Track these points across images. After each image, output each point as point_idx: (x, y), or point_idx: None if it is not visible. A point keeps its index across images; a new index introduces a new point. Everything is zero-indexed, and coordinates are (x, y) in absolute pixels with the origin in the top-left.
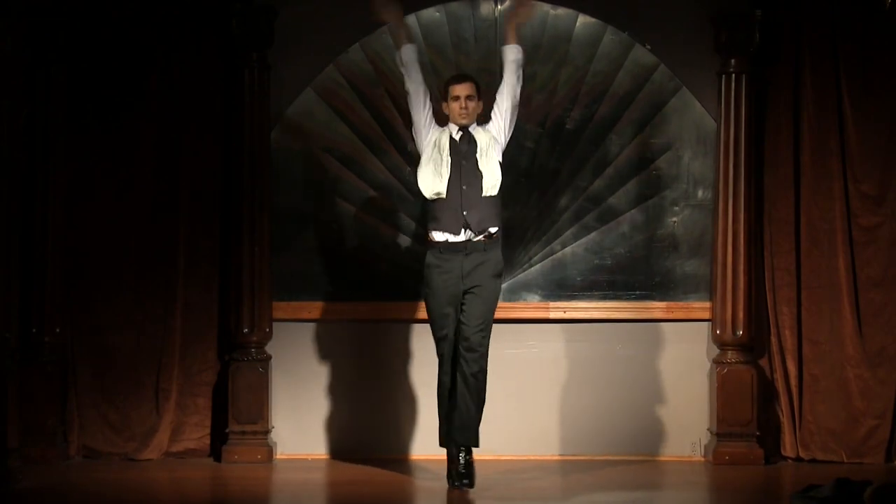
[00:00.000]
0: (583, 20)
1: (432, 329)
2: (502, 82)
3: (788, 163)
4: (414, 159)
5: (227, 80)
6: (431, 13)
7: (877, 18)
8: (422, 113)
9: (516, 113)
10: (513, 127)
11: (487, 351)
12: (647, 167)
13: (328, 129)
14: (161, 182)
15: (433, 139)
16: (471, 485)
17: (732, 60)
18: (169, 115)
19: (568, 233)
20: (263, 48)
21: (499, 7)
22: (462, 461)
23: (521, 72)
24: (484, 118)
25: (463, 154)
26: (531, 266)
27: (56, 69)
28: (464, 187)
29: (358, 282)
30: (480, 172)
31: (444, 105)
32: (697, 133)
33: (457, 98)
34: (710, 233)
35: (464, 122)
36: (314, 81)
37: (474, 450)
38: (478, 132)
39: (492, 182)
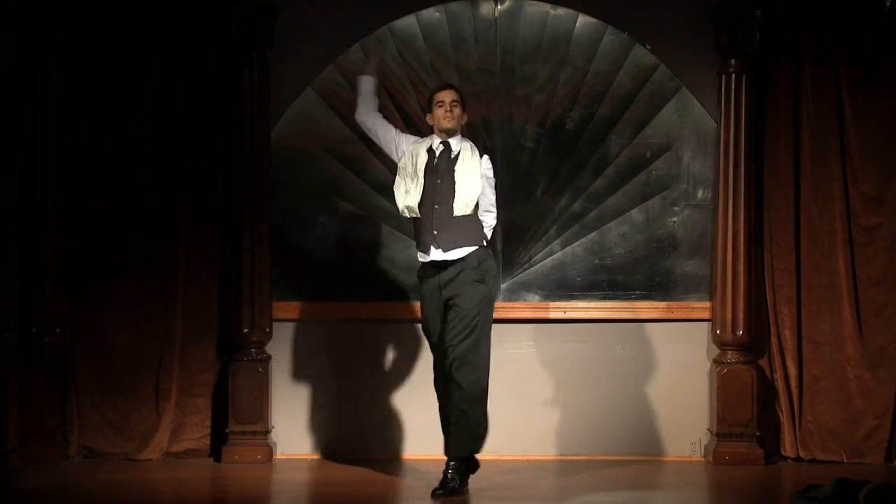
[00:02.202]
0: (583, 20)
1: (429, 342)
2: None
3: (788, 163)
4: None
5: (227, 80)
6: (431, 13)
7: (877, 18)
8: (383, 133)
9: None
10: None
11: (481, 361)
12: (647, 167)
13: (328, 129)
14: (161, 182)
15: (409, 152)
16: (444, 494)
17: (732, 60)
18: (169, 115)
19: (568, 233)
20: (263, 48)
21: (499, 7)
22: (447, 469)
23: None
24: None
25: (439, 171)
26: (531, 266)
27: (56, 69)
28: (435, 206)
29: (357, 282)
30: (454, 191)
31: (428, 116)
32: (697, 133)
33: (441, 103)
34: (710, 233)
35: (448, 125)
36: (314, 81)
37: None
38: (464, 149)
39: (464, 201)
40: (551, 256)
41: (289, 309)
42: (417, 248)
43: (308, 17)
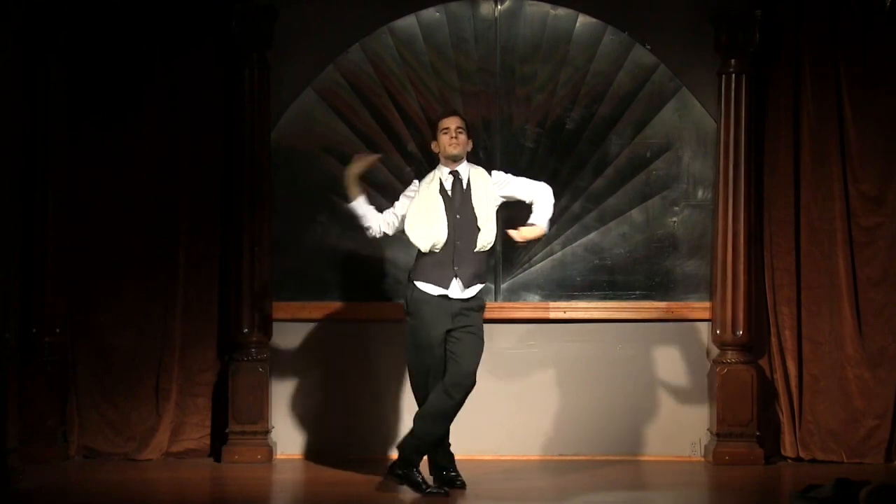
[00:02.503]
0: (583, 20)
1: (417, 361)
2: (535, 191)
3: (788, 163)
4: (414, 159)
5: (227, 80)
6: (431, 13)
7: (877, 18)
8: (397, 218)
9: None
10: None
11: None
12: (647, 167)
13: (328, 129)
14: (161, 182)
15: (418, 191)
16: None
17: (732, 60)
18: (169, 115)
19: (568, 233)
20: (263, 48)
21: (499, 7)
22: (456, 475)
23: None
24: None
25: (455, 206)
26: (531, 266)
27: (56, 69)
28: (457, 242)
29: (357, 282)
30: (478, 227)
31: (433, 144)
32: (697, 133)
33: (446, 130)
34: (710, 233)
35: (455, 151)
36: (314, 81)
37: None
38: (474, 178)
39: (488, 237)
40: (551, 256)
41: (289, 309)
42: (428, 281)
43: (308, 17)
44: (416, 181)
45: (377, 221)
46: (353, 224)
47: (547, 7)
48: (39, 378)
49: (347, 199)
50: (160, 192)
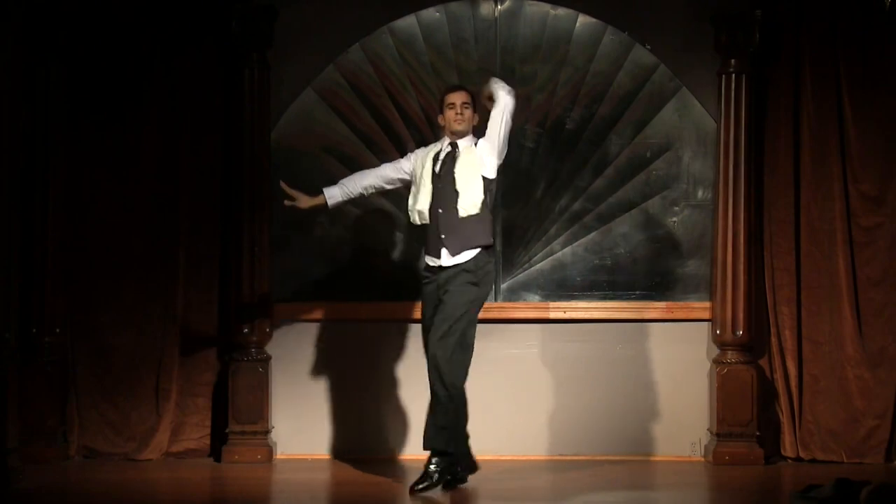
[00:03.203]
0: (583, 20)
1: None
2: (492, 114)
3: (788, 163)
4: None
5: (227, 80)
6: (431, 13)
7: (877, 18)
8: (386, 177)
9: (508, 131)
10: (506, 145)
11: (456, 362)
12: (647, 167)
13: (328, 129)
14: (161, 182)
15: (419, 162)
16: (423, 489)
17: (732, 60)
18: (169, 115)
19: (568, 233)
20: (263, 48)
21: (499, 7)
22: (427, 463)
23: (508, 116)
24: (480, 133)
25: (442, 175)
26: (531, 266)
27: (56, 69)
28: (439, 210)
29: (358, 282)
30: (456, 192)
31: (440, 117)
32: (697, 133)
33: (452, 105)
34: (710, 233)
35: (459, 127)
36: (314, 81)
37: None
38: (466, 150)
39: (469, 202)
40: (551, 256)
41: (289, 309)
42: (427, 253)
43: (308, 17)
44: (423, 148)
45: (361, 183)
46: (353, 224)
47: (547, 7)
48: (39, 378)
49: (324, 204)
50: (160, 192)
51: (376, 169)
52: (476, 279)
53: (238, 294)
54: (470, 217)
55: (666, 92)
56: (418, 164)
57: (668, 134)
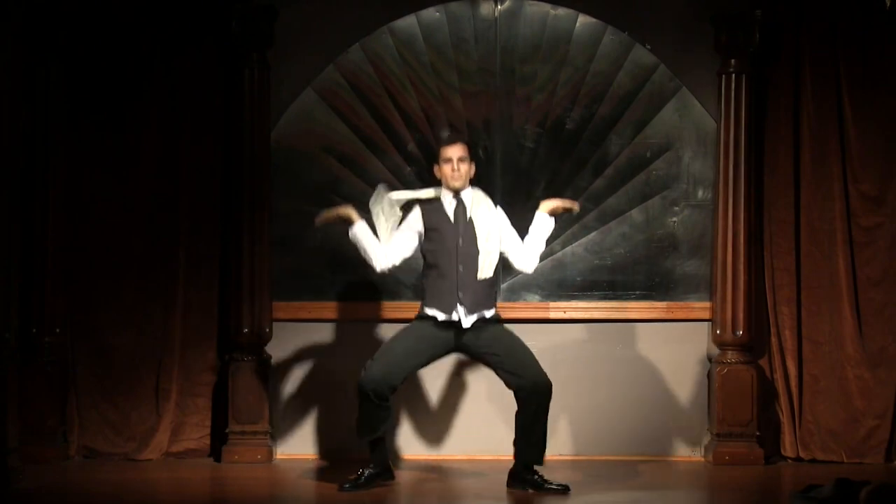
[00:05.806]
0: (583, 20)
1: (392, 341)
2: (526, 241)
3: (788, 163)
4: (414, 159)
5: (227, 80)
6: (431, 13)
7: (877, 18)
8: (405, 244)
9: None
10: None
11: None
12: (647, 167)
13: (328, 129)
14: (161, 182)
15: (422, 216)
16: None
17: (732, 60)
18: (169, 115)
19: (568, 233)
20: (263, 48)
21: (499, 7)
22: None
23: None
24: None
25: (459, 231)
26: None
27: (56, 69)
28: (460, 268)
29: (358, 282)
30: (478, 255)
31: (436, 168)
32: (697, 133)
33: (448, 160)
34: (710, 233)
35: (456, 184)
36: (314, 81)
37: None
38: (477, 203)
39: (488, 264)
40: (551, 256)
41: (289, 309)
42: (430, 304)
43: (308, 17)
44: (417, 208)
45: (381, 254)
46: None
47: (547, 7)
48: (39, 378)
49: (349, 226)
50: (160, 192)
51: (397, 244)
52: (501, 320)
53: (238, 294)
54: (485, 280)
55: (666, 92)
56: (423, 219)
57: (668, 134)
